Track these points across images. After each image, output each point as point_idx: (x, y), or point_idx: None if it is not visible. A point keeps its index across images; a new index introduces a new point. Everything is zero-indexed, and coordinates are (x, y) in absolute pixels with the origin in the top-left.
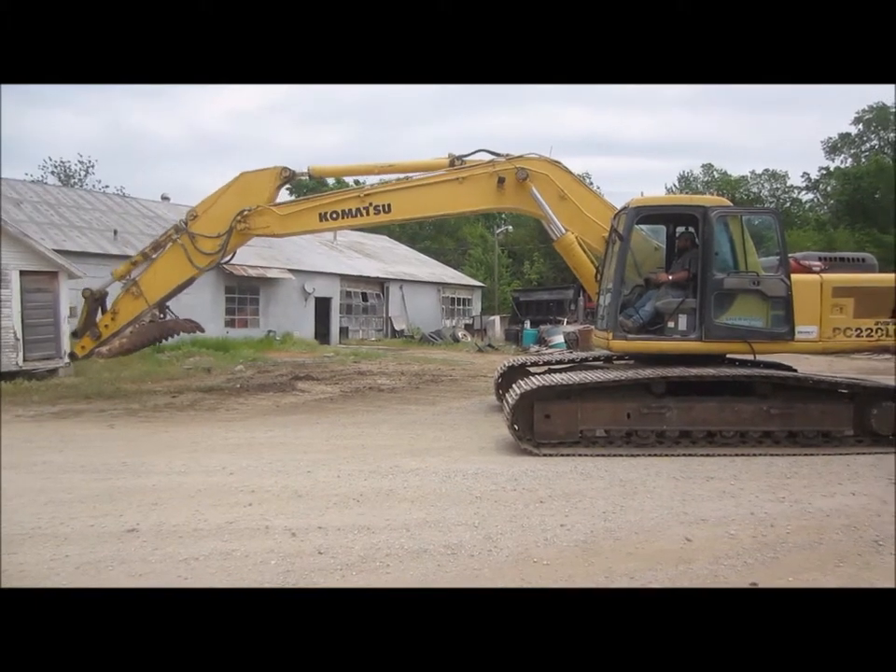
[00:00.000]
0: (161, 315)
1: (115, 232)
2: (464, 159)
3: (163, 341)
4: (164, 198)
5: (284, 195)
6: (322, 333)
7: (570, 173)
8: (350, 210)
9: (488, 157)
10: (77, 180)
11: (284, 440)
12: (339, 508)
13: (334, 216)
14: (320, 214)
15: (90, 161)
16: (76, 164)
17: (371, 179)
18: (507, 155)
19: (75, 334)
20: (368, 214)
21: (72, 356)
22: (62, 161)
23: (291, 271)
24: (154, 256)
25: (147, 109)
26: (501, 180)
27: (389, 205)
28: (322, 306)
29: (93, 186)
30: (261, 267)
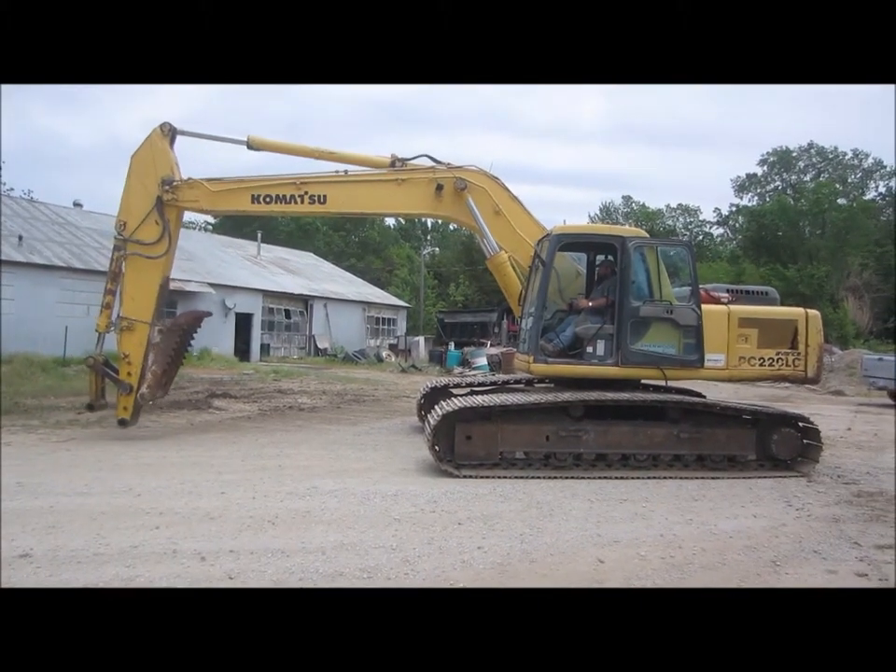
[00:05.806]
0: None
1: (20, 238)
2: (406, 161)
3: (192, 340)
4: (77, 204)
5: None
6: (242, 350)
7: (508, 190)
8: (284, 196)
9: (430, 163)
10: None
11: (197, 459)
12: (252, 530)
13: (267, 199)
14: (253, 195)
15: None
16: None
17: (310, 164)
18: (448, 164)
19: (90, 407)
20: (302, 202)
21: (122, 422)
22: None
23: (212, 285)
24: (117, 287)
25: (58, 112)
26: (440, 187)
27: (325, 196)
28: (243, 322)
29: None
30: (180, 280)
